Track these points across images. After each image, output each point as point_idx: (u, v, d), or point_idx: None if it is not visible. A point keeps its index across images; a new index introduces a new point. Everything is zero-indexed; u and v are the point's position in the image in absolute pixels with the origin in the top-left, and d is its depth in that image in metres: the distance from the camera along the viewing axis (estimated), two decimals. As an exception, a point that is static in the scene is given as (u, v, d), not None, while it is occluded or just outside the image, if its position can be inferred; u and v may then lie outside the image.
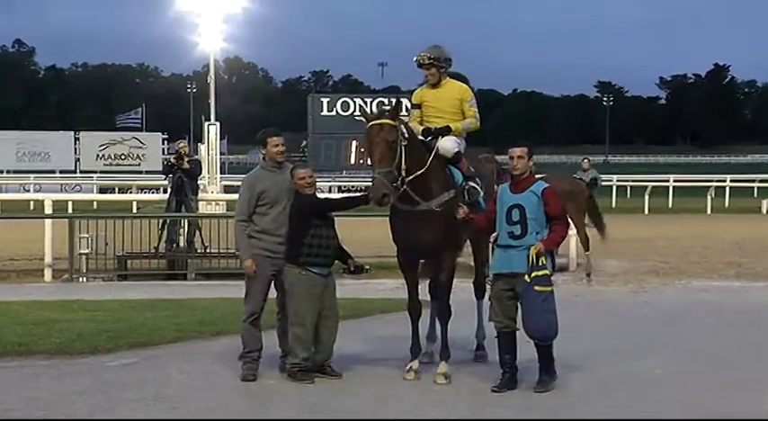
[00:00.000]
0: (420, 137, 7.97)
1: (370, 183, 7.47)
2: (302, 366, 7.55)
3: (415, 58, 8.22)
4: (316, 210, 7.62)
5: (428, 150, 7.82)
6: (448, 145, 7.94)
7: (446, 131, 8.04)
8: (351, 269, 7.87)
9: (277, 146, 7.84)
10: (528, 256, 7.13)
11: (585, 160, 20.19)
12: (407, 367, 7.80)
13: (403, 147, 7.45)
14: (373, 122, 7.47)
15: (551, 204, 7.32)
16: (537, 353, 7.32)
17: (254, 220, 7.70)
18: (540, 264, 7.12)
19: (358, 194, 7.83)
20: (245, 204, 7.73)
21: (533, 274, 7.11)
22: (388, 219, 8.02)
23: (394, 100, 7.91)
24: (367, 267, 7.96)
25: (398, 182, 7.43)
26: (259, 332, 7.83)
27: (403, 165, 7.44)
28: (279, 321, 7.89)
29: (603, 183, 40.49)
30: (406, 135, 7.53)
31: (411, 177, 7.53)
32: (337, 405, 7.00)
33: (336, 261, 7.80)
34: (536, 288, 7.10)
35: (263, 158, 7.95)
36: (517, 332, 7.31)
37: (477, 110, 8.34)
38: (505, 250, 7.30)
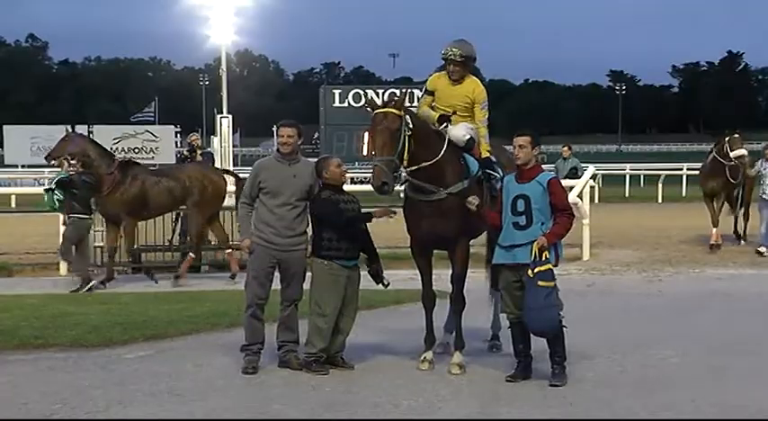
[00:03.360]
0: (435, 123, 7.95)
1: (371, 172, 7.44)
2: (318, 357, 7.57)
3: (443, 52, 8.10)
4: (329, 219, 7.61)
5: (441, 139, 7.79)
6: (458, 133, 7.91)
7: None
8: (369, 272, 7.85)
9: (282, 136, 7.79)
10: (531, 249, 7.08)
11: (566, 148, 19.13)
12: (421, 357, 7.81)
13: (407, 137, 7.41)
14: (378, 111, 7.46)
15: (557, 195, 7.25)
16: (548, 346, 7.31)
17: (257, 209, 7.73)
18: (544, 258, 7.08)
19: (366, 213, 7.77)
20: (248, 187, 7.79)
21: (537, 269, 7.06)
22: (401, 208, 8.01)
23: (415, 90, 7.94)
24: (385, 283, 7.88)
25: (399, 171, 7.43)
26: (261, 325, 7.79)
27: (405, 155, 7.41)
28: (281, 313, 7.87)
29: (617, 172, 40.59)
30: (411, 125, 7.47)
31: (417, 167, 7.50)
32: (352, 397, 7.00)
33: (363, 254, 7.79)
34: (540, 283, 7.06)
35: (277, 149, 7.96)
36: None
37: (487, 114, 8.21)
38: (509, 249, 7.25)
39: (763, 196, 15.83)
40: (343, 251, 7.57)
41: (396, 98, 7.64)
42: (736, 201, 16.91)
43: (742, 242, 17.05)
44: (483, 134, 8.11)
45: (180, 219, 16.02)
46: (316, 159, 7.96)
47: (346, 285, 7.59)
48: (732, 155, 16.13)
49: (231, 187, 13.85)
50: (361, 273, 7.81)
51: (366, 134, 8.17)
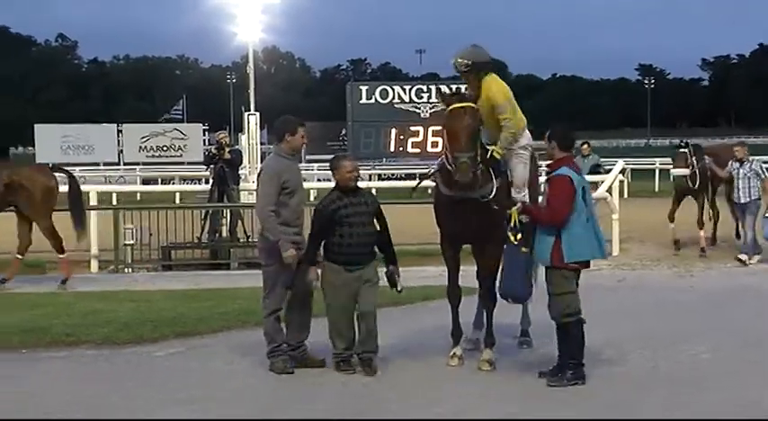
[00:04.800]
0: None
1: (453, 167, 7.24)
2: (343, 356, 7.55)
3: (452, 63, 7.88)
4: (322, 225, 7.42)
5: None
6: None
7: None
8: (386, 274, 7.61)
9: (304, 137, 7.84)
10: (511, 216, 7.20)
11: (585, 145, 18.37)
12: (451, 353, 7.79)
13: (479, 132, 7.40)
14: (456, 106, 7.35)
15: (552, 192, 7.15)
16: (557, 339, 7.20)
17: (276, 211, 7.49)
18: (519, 226, 7.18)
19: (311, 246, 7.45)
20: (274, 193, 7.49)
21: (518, 237, 7.16)
22: (433, 206, 7.96)
23: (433, 87, 7.88)
24: (399, 288, 7.60)
25: (477, 167, 7.30)
26: (281, 324, 7.72)
27: (479, 151, 7.37)
28: (287, 313, 7.71)
29: (646, 167, 40.20)
30: (483, 121, 7.46)
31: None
32: (381, 396, 7.00)
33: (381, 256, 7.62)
34: (523, 249, 7.19)
35: (282, 146, 7.73)
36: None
37: (508, 115, 7.65)
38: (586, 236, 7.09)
39: (738, 201, 14.32)
40: (353, 256, 7.42)
41: (466, 93, 7.53)
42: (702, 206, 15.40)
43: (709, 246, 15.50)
44: (503, 136, 7.66)
45: (209, 217, 16.11)
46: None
47: (358, 287, 7.43)
48: (672, 172, 15.52)
49: (64, 187, 12.96)
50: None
51: (443, 128, 7.63)
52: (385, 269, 7.61)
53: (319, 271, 7.43)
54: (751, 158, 14.40)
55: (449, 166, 7.41)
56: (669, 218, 15.66)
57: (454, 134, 7.31)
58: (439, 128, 7.75)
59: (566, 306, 7.05)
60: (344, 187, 7.50)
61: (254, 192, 18.58)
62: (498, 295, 7.57)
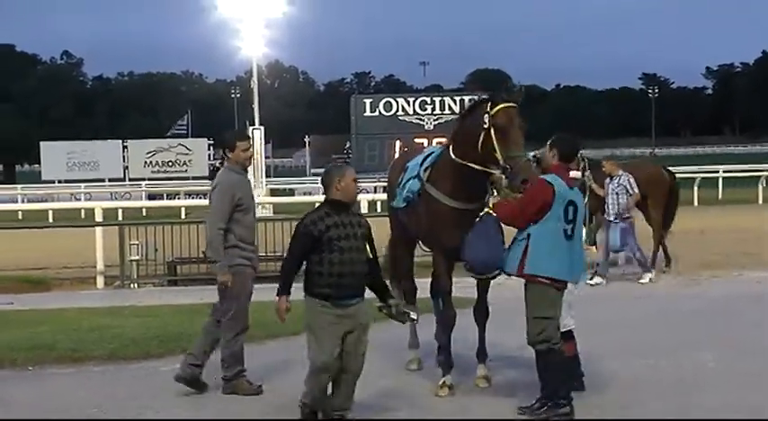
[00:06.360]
0: None
1: (514, 168, 6.81)
2: (313, 407, 6.36)
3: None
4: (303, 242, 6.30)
5: None
6: None
7: None
8: (392, 312, 6.52)
9: (247, 150, 7.48)
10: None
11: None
12: (440, 382, 7.32)
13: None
14: (511, 105, 7.01)
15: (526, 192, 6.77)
16: (536, 366, 6.67)
17: (230, 229, 7.23)
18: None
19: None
20: (227, 210, 7.21)
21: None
22: (422, 219, 7.46)
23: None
24: (413, 316, 6.68)
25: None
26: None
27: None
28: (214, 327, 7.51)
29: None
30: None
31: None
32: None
33: (374, 295, 6.54)
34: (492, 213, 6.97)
35: (228, 161, 7.49)
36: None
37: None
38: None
39: (608, 217, 13.36)
40: (344, 288, 6.24)
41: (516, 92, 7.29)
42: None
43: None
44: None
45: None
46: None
47: (349, 325, 6.26)
48: None
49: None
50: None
51: (491, 128, 7.02)
52: (380, 304, 6.52)
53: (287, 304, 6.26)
54: (620, 173, 13.48)
55: (493, 171, 7.01)
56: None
57: (514, 133, 6.90)
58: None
59: (538, 332, 6.57)
60: (339, 202, 6.34)
61: (259, 206, 18.63)
62: (464, 268, 7.23)
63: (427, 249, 7.88)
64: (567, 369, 6.73)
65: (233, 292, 7.32)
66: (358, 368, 6.33)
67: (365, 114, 17.43)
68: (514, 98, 7.12)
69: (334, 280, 6.20)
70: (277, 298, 6.26)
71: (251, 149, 7.65)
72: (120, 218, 23.85)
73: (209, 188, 7.76)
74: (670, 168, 16.40)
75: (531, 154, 7.35)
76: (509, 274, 6.90)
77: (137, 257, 14.86)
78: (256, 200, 15.68)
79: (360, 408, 6.07)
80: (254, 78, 25.97)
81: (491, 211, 7.00)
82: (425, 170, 7.47)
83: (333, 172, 6.40)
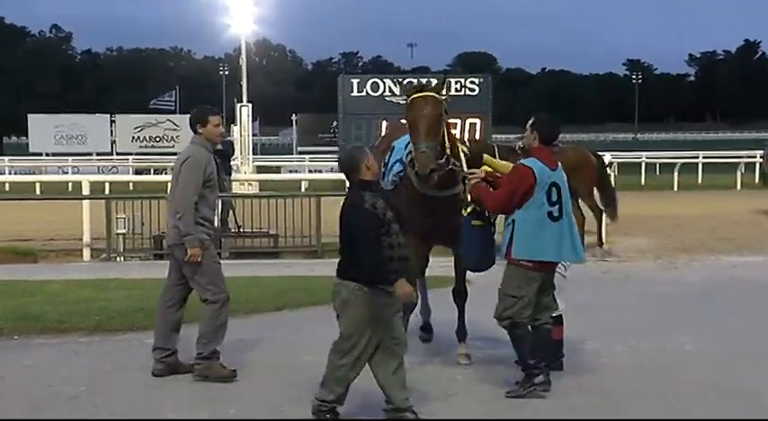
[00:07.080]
0: None
1: (412, 158, 7.06)
2: (332, 407, 5.95)
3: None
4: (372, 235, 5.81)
5: None
6: None
7: None
8: None
9: (218, 125, 7.33)
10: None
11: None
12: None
13: (445, 124, 7.22)
14: (417, 95, 7.16)
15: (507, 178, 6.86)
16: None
17: (196, 205, 7.12)
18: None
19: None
20: (198, 186, 7.10)
21: (468, 210, 7.00)
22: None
23: (432, 79, 7.64)
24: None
25: (443, 159, 7.08)
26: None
27: (447, 143, 7.19)
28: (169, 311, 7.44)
29: (633, 161, 40.40)
30: (447, 113, 7.27)
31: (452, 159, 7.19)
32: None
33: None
34: (473, 222, 7.00)
35: (198, 137, 7.29)
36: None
37: None
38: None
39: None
40: (405, 271, 5.92)
41: (433, 84, 7.35)
42: None
43: None
44: None
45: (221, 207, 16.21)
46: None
47: (388, 317, 5.91)
48: None
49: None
50: None
51: (406, 120, 7.25)
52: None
53: None
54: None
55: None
56: None
57: (415, 123, 7.04)
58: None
59: (504, 309, 6.68)
60: (373, 183, 6.02)
61: (246, 183, 18.57)
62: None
63: None
64: (547, 349, 6.84)
65: (206, 267, 7.22)
66: (398, 356, 5.95)
67: (352, 94, 17.47)
68: (428, 88, 7.20)
69: (402, 264, 5.84)
70: (400, 287, 5.77)
71: (221, 126, 7.52)
72: (107, 191, 23.87)
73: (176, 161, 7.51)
74: (653, 154, 16.75)
75: (518, 144, 7.46)
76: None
77: (123, 231, 14.93)
78: (243, 176, 15.66)
79: (360, 408, 6.18)
80: (243, 56, 26.00)
81: (464, 213, 7.00)
82: (408, 154, 7.45)
83: (358, 154, 6.06)
